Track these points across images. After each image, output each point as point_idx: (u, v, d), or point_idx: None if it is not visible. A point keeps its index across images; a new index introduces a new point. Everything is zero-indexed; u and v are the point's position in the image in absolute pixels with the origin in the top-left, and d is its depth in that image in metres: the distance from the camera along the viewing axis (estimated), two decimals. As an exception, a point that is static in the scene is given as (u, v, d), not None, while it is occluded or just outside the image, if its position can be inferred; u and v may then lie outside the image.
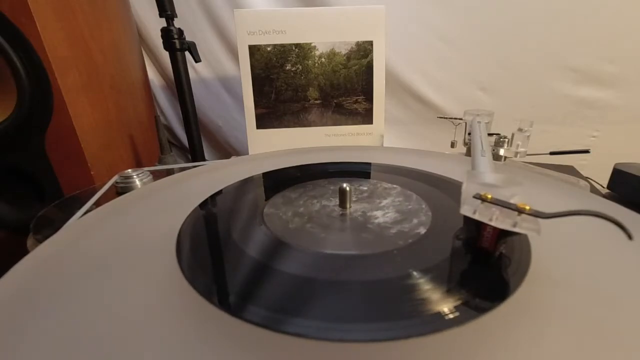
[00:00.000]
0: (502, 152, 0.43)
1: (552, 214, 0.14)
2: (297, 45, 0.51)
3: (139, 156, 0.64)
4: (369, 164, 0.34)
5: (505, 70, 0.66)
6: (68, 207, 0.34)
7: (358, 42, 0.51)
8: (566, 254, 0.17)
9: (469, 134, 0.43)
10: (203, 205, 0.25)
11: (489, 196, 0.15)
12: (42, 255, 0.18)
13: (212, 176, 0.31)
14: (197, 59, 0.58)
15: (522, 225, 0.14)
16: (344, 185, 0.23)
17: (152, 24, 0.72)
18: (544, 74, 0.64)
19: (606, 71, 0.61)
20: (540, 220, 0.14)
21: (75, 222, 0.26)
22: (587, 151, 0.44)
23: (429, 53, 0.67)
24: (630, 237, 0.12)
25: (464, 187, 0.17)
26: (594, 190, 0.38)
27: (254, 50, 0.51)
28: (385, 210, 0.23)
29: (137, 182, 0.37)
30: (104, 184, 0.38)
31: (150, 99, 0.77)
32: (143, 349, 0.12)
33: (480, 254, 0.17)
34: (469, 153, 0.44)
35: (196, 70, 0.77)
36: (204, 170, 0.33)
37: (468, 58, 0.66)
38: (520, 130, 0.42)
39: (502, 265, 0.16)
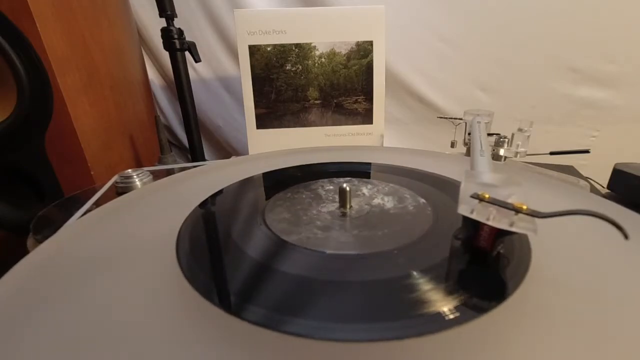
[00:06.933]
0: (502, 152, 0.43)
1: (549, 214, 0.14)
2: (297, 45, 0.51)
3: (139, 156, 0.64)
4: (369, 164, 0.34)
5: (505, 70, 0.66)
6: (68, 207, 0.34)
7: (358, 42, 0.51)
8: (565, 253, 0.18)
9: (469, 134, 0.43)
10: (203, 205, 0.25)
11: (487, 196, 0.15)
12: (42, 255, 0.18)
13: (212, 176, 0.31)
14: (197, 59, 0.58)
15: (519, 225, 0.14)
16: (344, 185, 0.24)
17: (152, 24, 0.72)
18: (544, 74, 0.64)
19: (606, 71, 0.61)
20: (537, 219, 0.14)
21: (75, 222, 0.26)
22: (587, 151, 0.44)
23: (429, 53, 0.67)
24: (626, 236, 0.12)
25: (462, 186, 0.17)
26: (594, 190, 0.38)
27: (254, 50, 0.51)
28: (385, 210, 0.23)
29: (137, 182, 0.37)
30: (104, 184, 0.38)
31: (150, 99, 0.77)
32: (143, 349, 0.12)
33: (478, 253, 0.17)
34: (469, 153, 0.44)
35: (196, 70, 0.77)
36: (204, 170, 0.33)
37: (468, 58, 0.66)
38: (520, 130, 0.42)
39: (502, 265, 0.16)
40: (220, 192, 0.27)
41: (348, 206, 0.24)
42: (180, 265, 0.17)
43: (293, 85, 0.53)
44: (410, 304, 0.14)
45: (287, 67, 0.52)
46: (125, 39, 0.65)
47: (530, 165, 0.45)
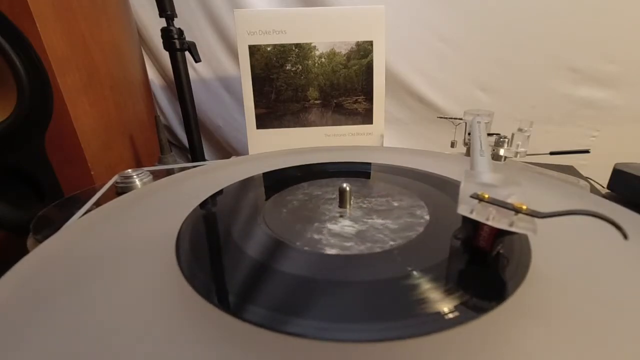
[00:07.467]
0: (502, 152, 0.43)
1: (549, 214, 0.14)
2: (297, 45, 0.51)
3: (139, 156, 0.64)
4: (369, 164, 0.34)
5: (505, 70, 0.66)
6: (68, 207, 0.34)
7: (358, 42, 0.51)
8: (565, 253, 0.18)
9: (469, 134, 0.43)
10: (203, 205, 0.25)
11: (486, 196, 0.15)
12: (42, 255, 0.18)
13: (212, 176, 0.31)
14: (197, 59, 0.58)
15: (519, 225, 0.14)
16: (344, 185, 0.24)
17: (152, 24, 0.72)
18: (543, 74, 0.64)
19: (606, 71, 0.61)
20: (537, 219, 0.14)
21: (75, 222, 0.26)
22: (587, 151, 0.44)
23: (429, 53, 0.67)
24: (625, 236, 0.12)
25: (462, 186, 0.17)
26: (594, 190, 0.38)
27: (254, 50, 0.51)
28: (385, 210, 0.23)
29: (137, 182, 0.37)
30: (104, 184, 0.38)
31: (150, 99, 0.77)
32: (143, 349, 0.12)
33: (478, 253, 0.17)
34: (468, 153, 0.44)
35: (196, 70, 0.77)
36: (204, 170, 0.33)
37: (468, 58, 0.66)
38: (520, 130, 0.42)
39: (502, 265, 0.16)
40: (220, 192, 0.27)
41: (347, 206, 0.24)
42: (180, 265, 0.17)
43: (293, 85, 0.53)
44: (410, 303, 0.14)
45: (287, 67, 0.52)
46: (125, 39, 0.65)
47: (530, 165, 0.45)
